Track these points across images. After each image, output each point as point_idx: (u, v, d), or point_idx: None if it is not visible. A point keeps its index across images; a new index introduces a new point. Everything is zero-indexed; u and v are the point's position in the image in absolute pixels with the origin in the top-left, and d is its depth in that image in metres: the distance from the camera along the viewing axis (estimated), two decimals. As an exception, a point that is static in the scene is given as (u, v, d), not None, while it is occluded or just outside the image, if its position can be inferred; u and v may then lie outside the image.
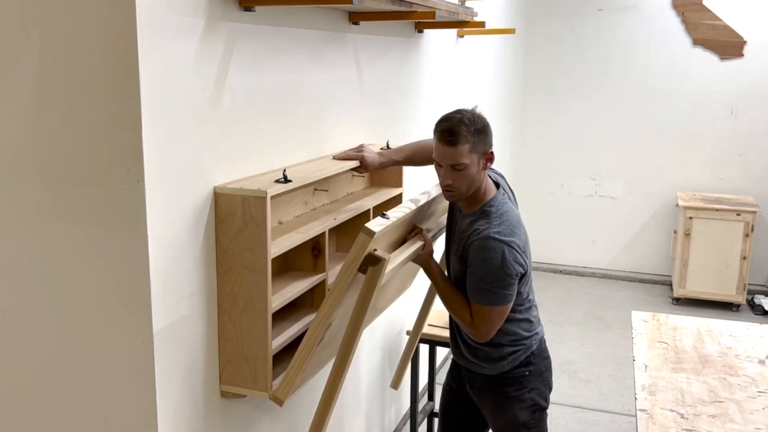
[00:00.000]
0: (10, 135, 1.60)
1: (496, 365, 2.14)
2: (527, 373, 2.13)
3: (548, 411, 2.23)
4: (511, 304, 2.01)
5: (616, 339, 4.62)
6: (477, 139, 1.92)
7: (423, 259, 2.09)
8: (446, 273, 2.21)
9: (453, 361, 2.34)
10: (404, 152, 2.37)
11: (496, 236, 1.94)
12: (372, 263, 1.77)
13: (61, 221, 1.59)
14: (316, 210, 2.22)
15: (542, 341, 2.20)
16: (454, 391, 2.35)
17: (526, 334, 2.13)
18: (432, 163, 2.38)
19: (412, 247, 2.01)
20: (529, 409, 2.14)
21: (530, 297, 2.15)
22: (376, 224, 1.74)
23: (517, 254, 1.96)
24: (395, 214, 1.86)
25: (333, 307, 1.79)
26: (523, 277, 2.03)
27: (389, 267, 1.80)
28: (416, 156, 2.37)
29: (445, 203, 2.25)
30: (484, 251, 1.95)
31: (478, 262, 1.96)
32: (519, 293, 2.05)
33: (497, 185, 2.10)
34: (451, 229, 2.19)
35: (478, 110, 2.00)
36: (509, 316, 2.06)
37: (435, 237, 2.27)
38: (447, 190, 1.99)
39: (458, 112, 1.96)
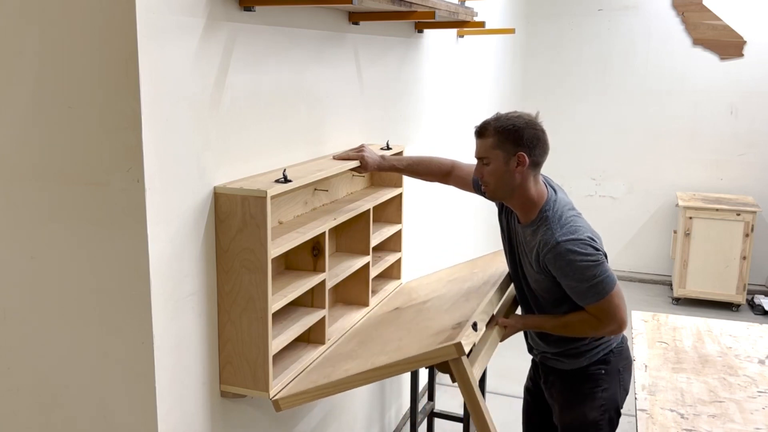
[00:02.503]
0: (10, 135, 1.60)
1: (574, 361, 2.11)
2: (603, 371, 2.10)
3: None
4: (617, 281, 1.98)
5: (616, 339, 4.61)
6: (503, 137, 1.94)
7: (514, 332, 2.10)
8: (516, 283, 2.17)
9: (532, 360, 2.33)
10: (406, 161, 2.40)
11: (562, 239, 1.92)
12: (445, 369, 1.78)
13: (62, 221, 1.59)
14: (316, 210, 2.22)
15: (623, 340, 2.16)
16: (532, 392, 2.34)
17: None
18: (432, 180, 2.39)
19: (491, 337, 2.01)
20: (600, 409, 2.10)
21: None
22: (468, 340, 1.76)
23: (589, 241, 1.93)
24: (482, 323, 1.91)
25: (376, 378, 1.81)
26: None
27: (476, 369, 1.82)
28: (418, 167, 2.38)
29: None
30: (562, 258, 1.92)
31: (565, 269, 1.93)
32: None
33: (554, 190, 2.08)
34: (511, 241, 2.15)
35: (538, 117, 2.00)
36: None
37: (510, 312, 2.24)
38: (483, 185, 2.04)
39: (508, 111, 2.01)
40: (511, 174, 1.96)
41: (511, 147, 1.94)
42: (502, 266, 2.38)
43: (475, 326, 1.85)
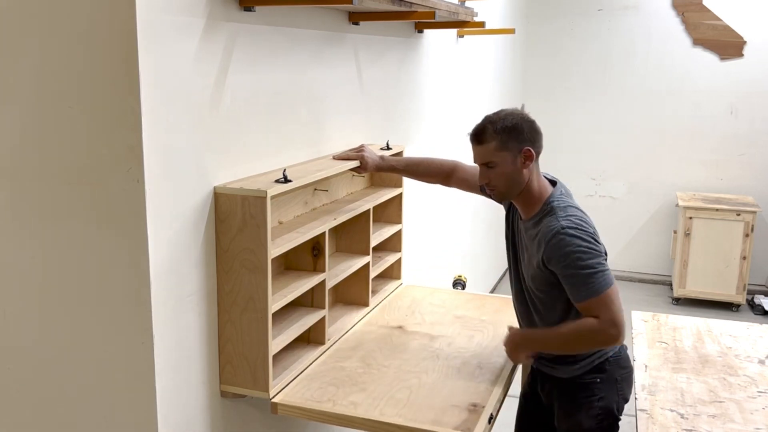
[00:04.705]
0: (10, 135, 1.60)
1: (567, 368, 2.08)
2: (598, 380, 2.06)
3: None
4: (615, 284, 1.91)
5: (616, 339, 4.61)
6: (506, 136, 1.92)
7: (516, 348, 2.07)
8: (517, 287, 2.14)
9: (530, 367, 2.29)
10: (405, 161, 2.40)
11: (567, 225, 1.89)
12: None
13: (61, 221, 1.59)
14: (316, 210, 2.22)
15: (621, 349, 2.11)
16: (528, 395, 2.31)
17: None
18: (433, 181, 2.39)
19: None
20: (596, 418, 2.07)
21: None
22: None
23: (593, 234, 1.92)
24: (496, 413, 1.91)
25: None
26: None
27: None
28: (418, 167, 2.38)
29: None
30: (563, 245, 1.87)
31: (566, 254, 1.88)
32: None
33: (554, 183, 2.07)
34: (514, 239, 2.13)
35: (524, 109, 1.99)
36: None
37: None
38: (489, 189, 2.02)
39: (496, 112, 1.99)
40: (519, 172, 1.95)
41: (515, 145, 1.93)
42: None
43: (491, 419, 1.85)
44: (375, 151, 2.40)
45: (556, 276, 1.94)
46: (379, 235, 2.51)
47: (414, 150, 3.13)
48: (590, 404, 2.07)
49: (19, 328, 1.70)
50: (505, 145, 1.93)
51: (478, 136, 1.95)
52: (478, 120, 2.00)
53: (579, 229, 1.90)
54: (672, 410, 2.06)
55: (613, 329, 1.87)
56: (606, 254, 1.96)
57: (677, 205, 5.40)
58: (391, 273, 2.71)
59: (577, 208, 2.00)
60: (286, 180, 1.83)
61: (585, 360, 2.06)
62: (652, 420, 2.00)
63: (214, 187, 1.76)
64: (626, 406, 2.16)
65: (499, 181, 1.97)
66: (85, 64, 1.50)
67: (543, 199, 2.00)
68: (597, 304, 1.88)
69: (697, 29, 5.51)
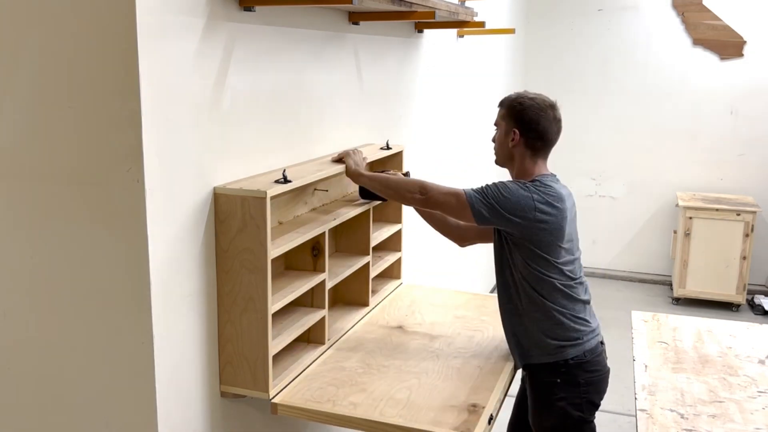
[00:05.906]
0: (10, 135, 1.60)
1: (523, 353, 2.09)
2: (558, 380, 2.07)
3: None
4: (470, 219, 2.00)
5: (616, 339, 4.60)
6: (512, 112, 2.11)
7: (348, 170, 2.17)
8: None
9: None
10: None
11: (526, 183, 2.01)
12: None
13: (61, 221, 1.59)
14: (316, 210, 2.22)
15: (588, 353, 2.08)
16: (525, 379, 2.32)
17: (557, 334, 2.04)
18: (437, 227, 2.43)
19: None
20: (558, 418, 2.08)
21: (577, 293, 2.09)
22: None
23: (534, 201, 1.97)
24: (495, 413, 1.92)
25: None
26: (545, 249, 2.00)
27: None
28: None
29: None
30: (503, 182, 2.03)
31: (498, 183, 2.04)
32: (559, 280, 2.04)
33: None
34: None
35: (555, 105, 2.20)
36: (546, 303, 2.02)
37: None
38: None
39: (532, 93, 2.20)
40: (507, 146, 2.11)
41: (511, 122, 2.10)
42: None
43: (490, 419, 1.85)
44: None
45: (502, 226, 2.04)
46: (379, 235, 2.51)
47: (414, 150, 3.13)
48: (551, 404, 2.10)
49: (19, 328, 1.70)
50: (505, 118, 2.13)
51: (502, 100, 2.18)
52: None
53: (527, 188, 2.00)
54: (672, 410, 2.06)
55: (419, 193, 2.06)
56: (520, 225, 1.98)
57: (677, 205, 5.40)
58: (391, 273, 2.71)
59: (557, 193, 2.03)
60: (285, 180, 1.83)
61: (537, 350, 2.07)
62: (652, 420, 2.00)
63: (214, 188, 1.76)
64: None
65: (496, 144, 2.17)
66: (85, 63, 1.50)
67: (532, 177, 2.09)
68: (449, 190, 2.05)
69: (697, 29, 5.50)
